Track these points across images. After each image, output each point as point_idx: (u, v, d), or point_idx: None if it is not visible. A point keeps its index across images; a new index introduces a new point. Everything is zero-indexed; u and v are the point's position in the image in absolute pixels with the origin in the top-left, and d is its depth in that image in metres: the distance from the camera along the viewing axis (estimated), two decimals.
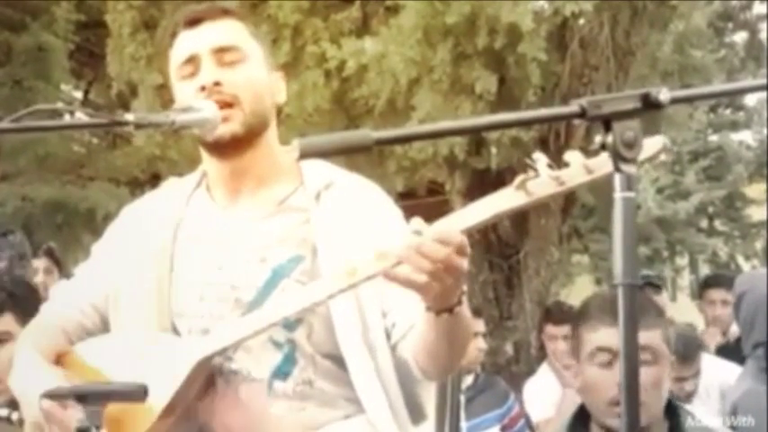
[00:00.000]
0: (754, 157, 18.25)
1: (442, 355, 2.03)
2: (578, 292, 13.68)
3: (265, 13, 6.67)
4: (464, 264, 1.82)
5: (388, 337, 2.16)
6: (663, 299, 6.32)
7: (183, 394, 2.07)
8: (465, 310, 1.94)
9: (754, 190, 17.91)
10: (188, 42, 2.24)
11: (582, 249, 15.19)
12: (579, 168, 1.83)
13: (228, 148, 2.21)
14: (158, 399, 2.03)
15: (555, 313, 6.11)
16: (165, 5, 7.13)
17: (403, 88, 6.43)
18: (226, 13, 2.28)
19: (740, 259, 17.88)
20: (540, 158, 1.83)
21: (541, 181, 1.83)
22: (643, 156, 1.75)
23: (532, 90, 6.58)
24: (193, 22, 2.25)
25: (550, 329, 5.91)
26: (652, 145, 1.80)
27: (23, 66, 9.52)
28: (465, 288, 1.92)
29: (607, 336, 2.52)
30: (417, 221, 1.82)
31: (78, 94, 12.01)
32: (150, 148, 7.42)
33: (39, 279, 5.84)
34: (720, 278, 6.61)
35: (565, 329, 5.81)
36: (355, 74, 6.48)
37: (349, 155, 1.57)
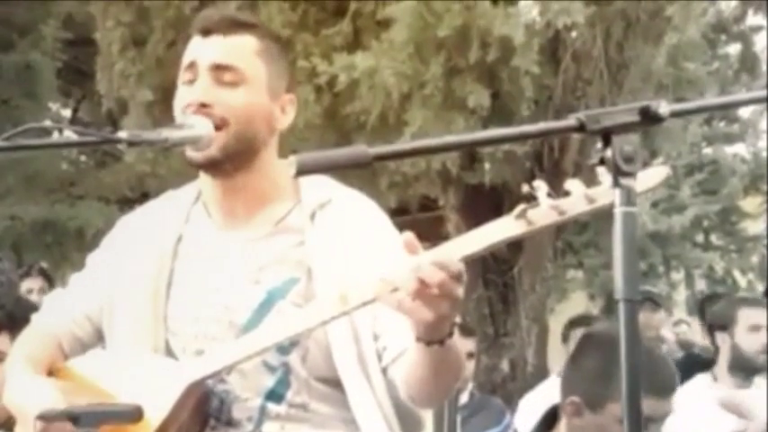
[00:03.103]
0: (748, 170, 18.23)
1: (431, 385, 2.00)
2: (573, 307, 13.64)
3: None
4: (460, 291, 1.78)
5: (379, 359, 2.13)
6: (660, 317, 6.28)
7: (174, 415, 2.06)
8: (456, 342, 1.90)
9: (749, 203, 17.89)
10: (193, 50, 2.20)
11: (576, 264, 15.16)
12: (580, 198, 1.80)
13: (209, 167, 2.17)
14: (152, 419, 2.03)
15: (589, 319, 6.18)
16: (155, 22, 7.10)
17: (395, 103, 6.40)
18: (240, 26, 2.21)
19: (737, 274, 17.84)
20: (541, 187, 1.79)
21: (542, 210, 1.80)
22: (648, 186, 1.76)
23: (526, 104, 6.55)
24: (205, 31, 2.20)
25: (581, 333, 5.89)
26: (655, 175, 1.80)
27: (11, 84, 9.52)
28: (457, 320, 1.89)
29: (651, 405, 2.49)
30: (408, 235, 1.77)
31: (66, 113, 12.00)
32: (140, 166, 7.40)
33: (33, 298, 5.80)
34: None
35: None
36: (346, 89, 6.45)
37: (345, 171, 1.53)
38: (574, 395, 2.63)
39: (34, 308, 2.86)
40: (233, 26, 2.20)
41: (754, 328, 4.52)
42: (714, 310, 5.15)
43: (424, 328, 1.82)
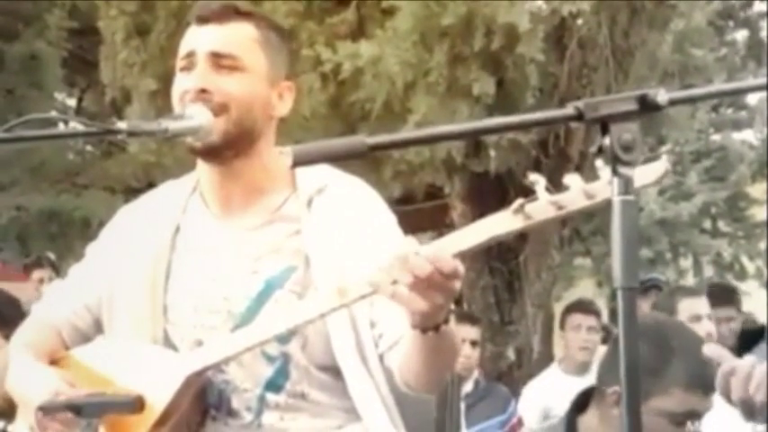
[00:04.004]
0: (756, 156, 18.16)
1: (426, 371, 2.02)
2: (581, 295, 13.63)
3: None
4: (454, 284, 1.78)
5: (376, 346, 2.15)
6: None
7: (175, 405, 2.07)
8: (451, 328, 1.91)
9: (757, 190, 17.80)
10: (191, 38, 2.20)
11: (584, 252, 15.12)
12: (579, 193, 1.80)
13: (208, 155, 2.18)
14: (152, 409, 2.05)
15: (584, 304, 6.11)
16: (159, 11, 7.07)
17: (399, 91, 6.37)
18: (238, 14, 2.22)
19: (744, 260, 17.77)
20: (539, 181, 1.80)
21: (540, 205, 1.81)
22: (646, 181, 1.77)
23: (531, 92, 6.53)
24: (203, 19, 2.20)
25: (577, 318, 5.87)
26: (655, 169, 1.80)
27: (16, 74, 9.49)
28: (452, 306, 1.89)
29: (695, 401, 2.51)
30: (410, 242, 1.79)
31: (72, 102, 11.98)
32: (144, 156, 7.38)
33: (44, 288, 5.85)
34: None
35: (590, 320, 5.79)
36: (351, 77, 6.42)
37: (343, 162, 1.53)
38: (617, 385, 2.61)
39: (23, 313, 2.87)
40: (230, 14, 2.20)
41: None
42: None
43: (419, 317, 1.83)
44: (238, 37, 2.19)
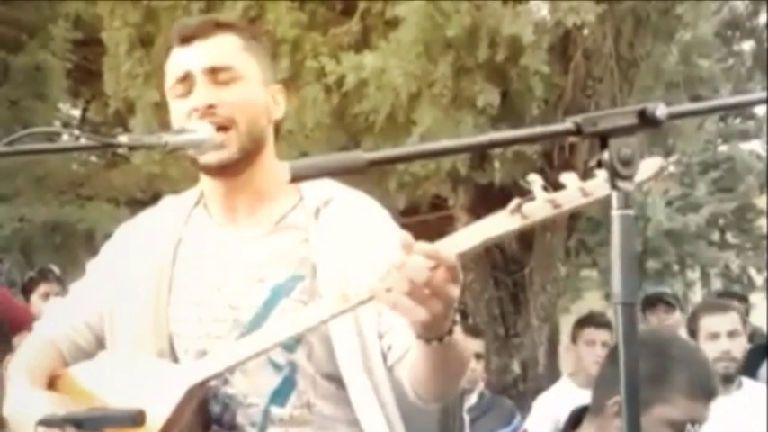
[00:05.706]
0: (764, 167, 18.15)
1: (435, 381, 2.00)
2: (588, 307, 13.61)
3: (263, 29, 6.60)
4: (453, 290, 1.75)
5: (385, 358, 2.13)
6: (676, 317, 6.21)
7: (176, 418, 2.05)
8: (457, 338, 1.88)
9: (765, 201, 17.83)
10: (181, 61, 2.19)
11: (590, 264, 15.13)
12: (575, 191, 1.79)
13: (225, 170, 2.18)
14: (154, 422, 2.02)
15: (597, 317, 6.06)
16: (162, 22, 7.08)
17: (403, 103, 6.37)
18: (219, 27, 2.22)
19: (752, 272, 17.79)
20: (536, 180, 1.80)
21: (536, 204, 1.79)
22: (642, 177, 1.74)
23: (536, 103, 6.52)
24: (186, 39, 2.20)
25: (590, 333, 5.81)
26: (649, 166, 1.79)
27: (21, 85, 9.51)
28: (457, 318, 1.86)
29: (698, 408, 2.50)
30: (405, 236, 1.74)
31: (76, 113, 12.01)
32: (149, 167, 7.38)
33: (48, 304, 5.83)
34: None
35: (604, 335, 5.74)
36: (355, 89, 6.43)
37: (342, 176, 1.52)
38: (617, 395, 2.60)
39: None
40: (213, 28, 2.21)
41: (713, 336, 4.51)
42: (687, 319, 5.14)
43: (421, 327, 1.80)
44: (227, 48, 2.19)
